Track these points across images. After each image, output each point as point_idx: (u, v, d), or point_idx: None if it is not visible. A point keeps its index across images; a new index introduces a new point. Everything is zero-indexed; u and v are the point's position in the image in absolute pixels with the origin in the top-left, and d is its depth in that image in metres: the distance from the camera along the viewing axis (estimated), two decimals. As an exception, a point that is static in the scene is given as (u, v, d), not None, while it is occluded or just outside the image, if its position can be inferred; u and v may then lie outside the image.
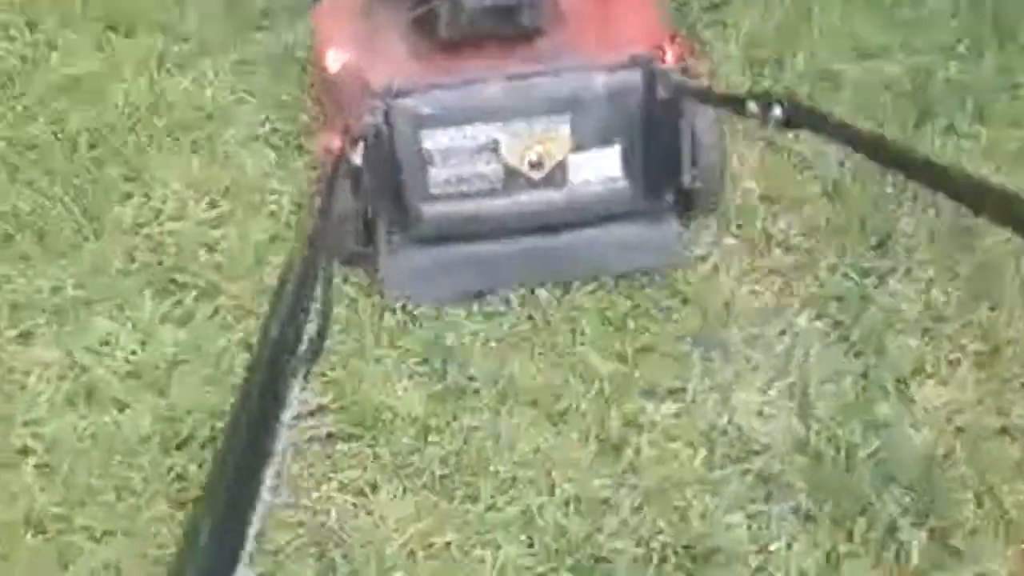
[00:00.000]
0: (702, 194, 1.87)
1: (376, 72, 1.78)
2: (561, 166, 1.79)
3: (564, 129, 1.77)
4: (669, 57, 1.78)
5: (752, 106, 1.33)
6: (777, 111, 1.27)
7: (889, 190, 1.96)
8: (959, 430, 1.66)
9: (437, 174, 1.77)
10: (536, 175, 1.79)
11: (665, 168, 1.82)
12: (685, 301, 1.84)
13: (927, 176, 1.16)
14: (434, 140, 1.75)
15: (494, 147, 1.77)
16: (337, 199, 1.52)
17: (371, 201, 1.78)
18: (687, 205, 1.89)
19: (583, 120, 1.77)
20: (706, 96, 1.81)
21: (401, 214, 1.81)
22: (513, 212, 1.82)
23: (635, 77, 1.77)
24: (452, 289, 1.85)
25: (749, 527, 1.56)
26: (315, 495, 1.61)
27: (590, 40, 1.85)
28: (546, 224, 1.84)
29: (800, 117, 1.32)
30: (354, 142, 1.62)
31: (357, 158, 1.60)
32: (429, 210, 1.80)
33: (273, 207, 2.03)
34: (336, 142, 1.64)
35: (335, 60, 1.86)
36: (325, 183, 1.53)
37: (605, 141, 1.79)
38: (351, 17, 1.92)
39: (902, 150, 1.29)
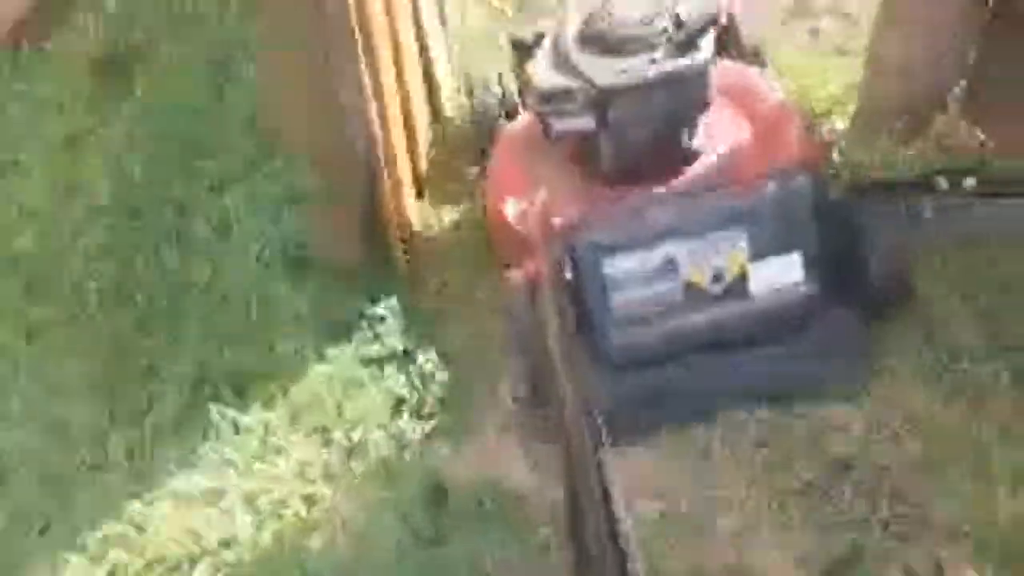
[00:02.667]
0: (888, 295, 1.85)
1: (554, 213, 1.87)
2: (742, 277, 1.82)
3: (740, 241, 1.81)
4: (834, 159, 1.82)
5: (942, 182, 1.32)
6: (970, 180, 1.25)
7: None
8: None
9: (620, 299, 1.83)
10: (717, 288, 1.82)
11: (848, 270, 1.82)
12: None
13: None
14: (615, 267, 1.82)
15: (672, 266, 1.82)
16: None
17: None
18: (876, 310, 1.86)
19: (758, 230, 1.80)
20: (889, 185, 1.81)
21: (593, 342, 1.83)
22: (700, 329, 1.83)
23: (804, 182, 1.81)
24: (656, 419, 1.82)
25: None
26: None
27: (750, 155, 1.91)
28: (734, 339, 1.84)
29: (995, 182, 1.30)
30: (561, 263, 1.72)
31: (568, 272, 1.70)
32: (618, 335, 1.84)
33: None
34: (540, 265, 1.73)
35: (513, 209, 1.98)
36: (548, 298, 1.63)
37: (783, 248, 1.81)
38: (521, 167, 2.05)
39: None
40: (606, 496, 1.26)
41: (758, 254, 1.81)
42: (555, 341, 1.58)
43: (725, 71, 2.04)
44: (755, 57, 2.18)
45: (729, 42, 2.16)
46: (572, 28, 1.91)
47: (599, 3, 1.90)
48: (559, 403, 1.50)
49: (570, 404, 1.45)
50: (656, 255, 1.82)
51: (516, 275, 1.84)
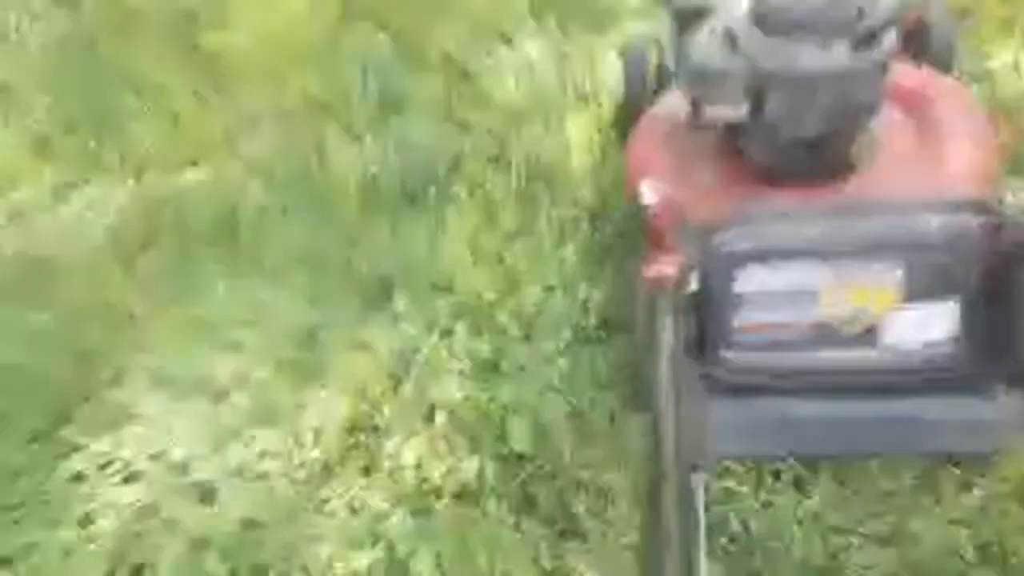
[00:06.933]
0: None
1: (691, 204, 1.71)
2: (886, 321, 1.61)
3: (892, 279, 1.60)
4: (1009, 200, 1.58)
5: None
6: None
7: None
8: None
9: (746, 318, 1.65)
10: (853, 329, 1.62)
11: (1002, 336, 1.56)
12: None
13: None
14: (746, 282, 1.64)
15: (809, 291, 1.62)
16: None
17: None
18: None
19: (915, 270, 1.59)
20: None
21: (706, 358, 1.67)
22: (827, 369, 1.63)
23: (974, 222, 1.57)
24: (757, 448, 1.67)
25: None
26: None
27: (919, 177, 1.69)
28: (863, 387, 1.62)
29: None
30: (688, 271, 1.57)
31: (693, 284, 1.55)
32: (733, 357, 1.67)
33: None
34: (669, 270, 1.58)
35: (650, 193, 1.82)
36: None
37: (938, 296, 1.59)
38: (661, 151, 1.89)
39: None
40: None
41: (908, 298, 1.60)
42: (668, 361, 1.49)
43: (907, 75, 1.81)
44: (945, 63, 1.93)
45: (921, 45, 1.92)
46: (744, 2, 1.71)
47: None
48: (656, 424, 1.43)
49: (667, 432, 1.41)
50: (793, 275, 1.63)
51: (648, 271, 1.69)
